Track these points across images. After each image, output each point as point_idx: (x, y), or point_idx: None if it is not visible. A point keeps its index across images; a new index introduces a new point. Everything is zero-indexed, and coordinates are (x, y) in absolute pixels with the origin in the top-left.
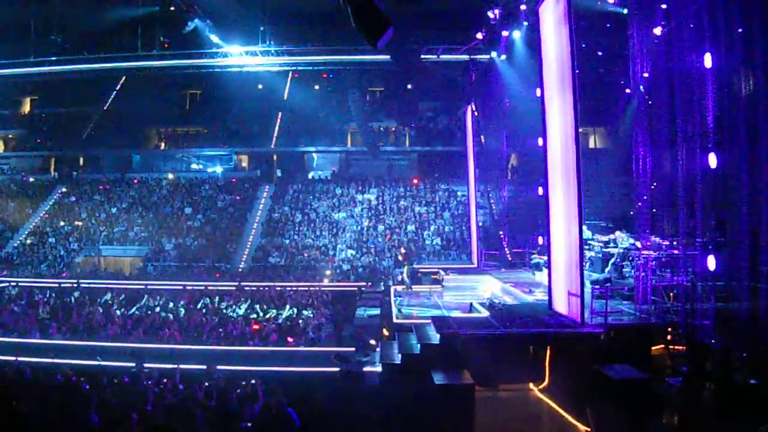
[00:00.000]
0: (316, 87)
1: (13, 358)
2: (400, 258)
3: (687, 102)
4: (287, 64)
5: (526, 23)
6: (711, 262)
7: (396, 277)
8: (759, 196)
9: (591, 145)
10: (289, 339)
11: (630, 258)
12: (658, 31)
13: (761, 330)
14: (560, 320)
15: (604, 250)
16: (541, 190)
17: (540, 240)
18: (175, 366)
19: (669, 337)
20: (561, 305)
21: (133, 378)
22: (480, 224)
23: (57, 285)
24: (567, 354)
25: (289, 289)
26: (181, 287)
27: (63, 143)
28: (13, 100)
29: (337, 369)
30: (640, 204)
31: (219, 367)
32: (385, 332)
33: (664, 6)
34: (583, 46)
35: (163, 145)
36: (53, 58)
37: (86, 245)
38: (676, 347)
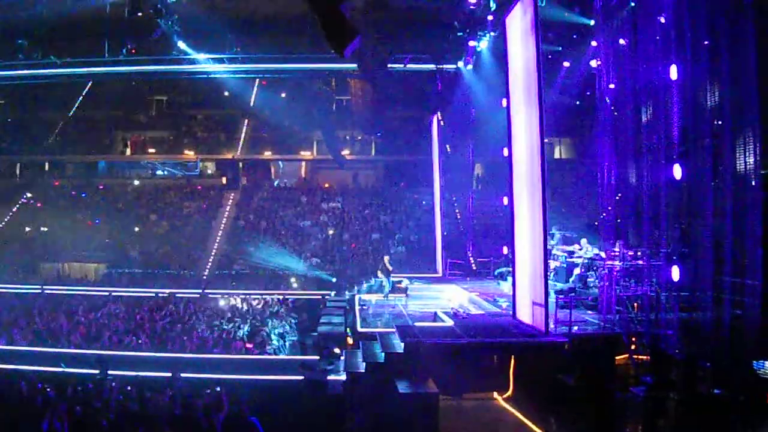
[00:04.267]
0: (283, 95)
1: None
2: (388, 267)
3: (652, 113)
4: (254, 71)
5: (493, 33)
6: (675, 273)
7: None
8: (723, 207)
9: (556, 155)
10: (248, 345)
11: (594, 268)
12: (623, 42)
13: (725, 340)
14: (524, 330)
15: (569, 260)
16: (506, 200)
17: (505, 249)
18: (139, 373)
19: (633, 347)
20: (525, 315)
21: (97, 385)
22: (445, 233)
23: (21, 290)
24: (531, 363)
25: (253, 296)
26: (145, 294)
27: (28, 148)
28: None
29: (301, 377)
30: (604, 214)
31: (183, 374)
32: (350, 340)
33: (630, 18)
34: (549, 56)
35: (128, 151)
36: (19, 63)
37: (51, 251)
38: (640, 357)
